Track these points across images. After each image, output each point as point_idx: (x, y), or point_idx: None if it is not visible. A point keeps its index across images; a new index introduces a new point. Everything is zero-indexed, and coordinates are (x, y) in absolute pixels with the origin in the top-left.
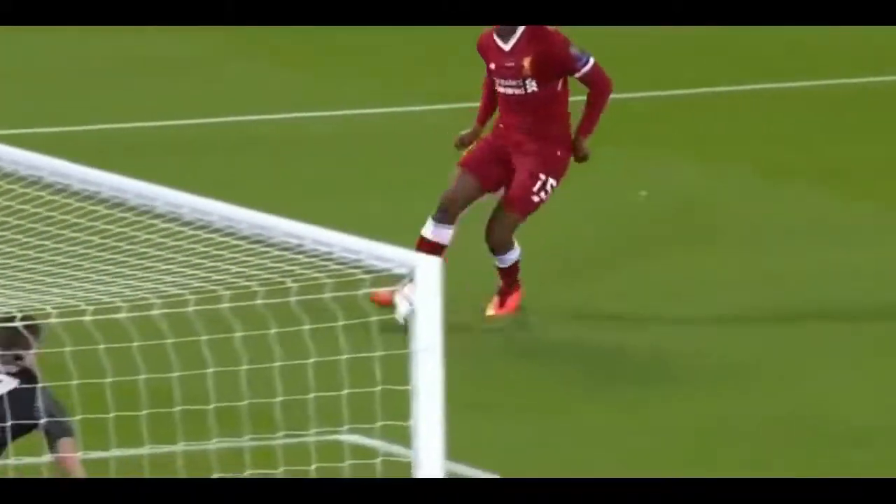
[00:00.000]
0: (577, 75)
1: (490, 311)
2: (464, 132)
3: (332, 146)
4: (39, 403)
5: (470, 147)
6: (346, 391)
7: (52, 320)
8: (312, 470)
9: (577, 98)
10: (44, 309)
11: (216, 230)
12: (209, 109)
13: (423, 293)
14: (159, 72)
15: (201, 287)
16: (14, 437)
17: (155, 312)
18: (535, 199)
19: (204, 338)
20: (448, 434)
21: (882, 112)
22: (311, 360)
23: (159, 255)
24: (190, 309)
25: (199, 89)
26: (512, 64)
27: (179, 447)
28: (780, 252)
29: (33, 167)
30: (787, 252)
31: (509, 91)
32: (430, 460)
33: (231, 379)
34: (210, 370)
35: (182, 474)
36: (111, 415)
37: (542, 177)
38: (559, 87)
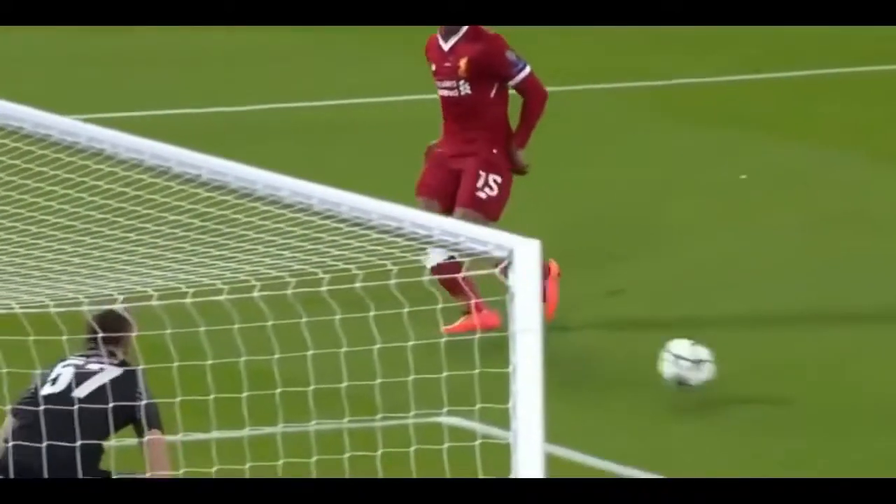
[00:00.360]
0: (512, 83)
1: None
2: (433, 142)
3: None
4: (141, 388)
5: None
6: (444, 374)
7: (154, 302)
8: (412, 452)
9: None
10: (145, 291)
11: (315, 213)
12: (313, 94)
13: (520, 275)
14: (259, 61)
15: (301, 270)
16: (117, 427)
17: (255, 294)
18: (482, 195)
19: (304, 320)
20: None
21: None
22: (411, 343)
23: (259, 238)
24: (290, 291)
25: (298, 76)
26: (449, 64)
27: (279, 429)
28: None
29: (134, 150)
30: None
31: (446, 93)
32: (529, 443)
33: (331, 361)
34: (310, 352)
35: (282, 457)
36: (211, 396)
37: (482, 174)
38: (493, 92)
